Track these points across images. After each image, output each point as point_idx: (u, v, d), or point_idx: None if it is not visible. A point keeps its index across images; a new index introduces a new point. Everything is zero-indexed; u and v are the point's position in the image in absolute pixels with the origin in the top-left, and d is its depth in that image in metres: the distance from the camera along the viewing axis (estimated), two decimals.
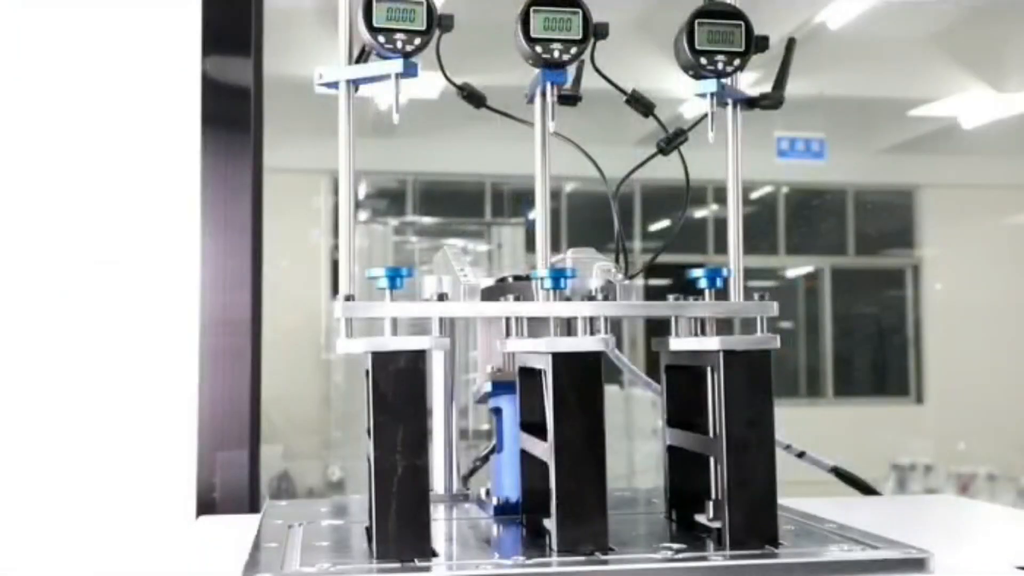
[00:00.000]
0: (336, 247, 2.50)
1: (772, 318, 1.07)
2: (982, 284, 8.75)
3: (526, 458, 1.13)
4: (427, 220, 6.99)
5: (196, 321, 1.64)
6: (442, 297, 1.06)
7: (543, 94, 1.08)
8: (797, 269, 9.54)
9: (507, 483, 1.24)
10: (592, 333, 1.05)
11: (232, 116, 1.69)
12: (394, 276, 1.03)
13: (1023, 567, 1.00)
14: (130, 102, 1.67)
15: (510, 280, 1.26)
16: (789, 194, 9.22)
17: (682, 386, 1.18)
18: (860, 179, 9.07)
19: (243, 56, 1.71)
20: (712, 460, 1.07)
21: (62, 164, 1.66)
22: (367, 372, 1.00)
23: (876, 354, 9.79)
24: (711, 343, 1.06)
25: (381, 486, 0.98)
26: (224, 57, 1.71)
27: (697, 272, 1.10)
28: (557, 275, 1.06)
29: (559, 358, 1.02)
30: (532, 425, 1.11)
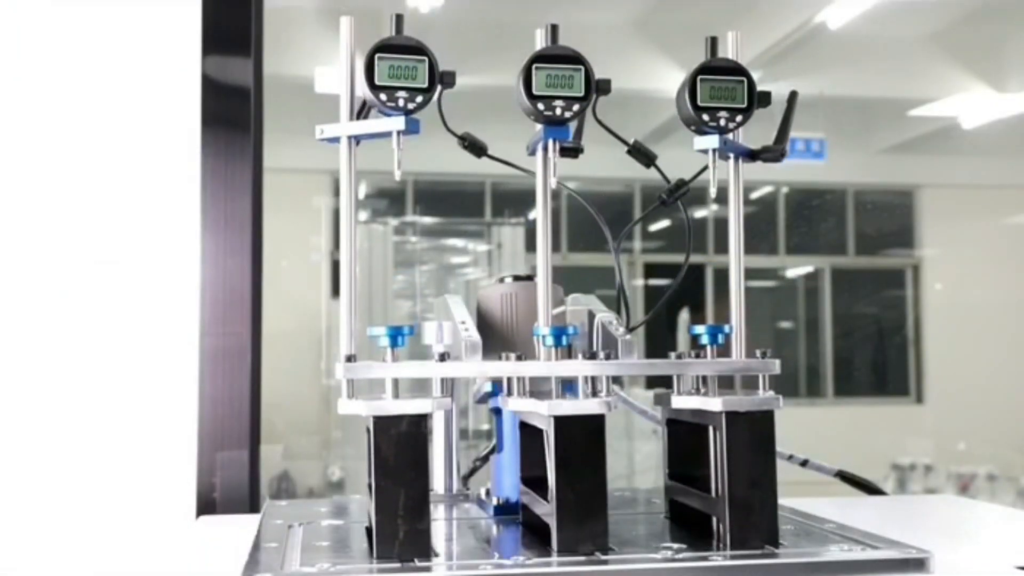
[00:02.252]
0: (336, 247, 2.50)
1: (775, 375, 1.06)
2: (982, 284, 8.76)
3: (527, 511, 1.13)
4: (427, 220, 6.98)
5: (196, 321, 1.64)
6: (443, 357, 1.04)
7: (544, 149, 1.07)
8: (797, 269, 9.54)
9: (507, 483, 1.24)
10: (594, 391, 1.03)
11: (232, 116, 1.69)
12: (395, 335, 1.02)
13: (1023, 567, 1.00)
14: (130, 102, 1.67)
15: (510, 280, 1.26)
16: (789, 194, 9.22)
17: (684, 440, 1.16)
18: (860, 179, 9.08)
19: (243, 56, 1.71)
20: (715, 520, 1.06)
21: (62, 164, 1.66)
22: (368, 430, 1.00)
23: (876, 354, 9.79)
24: (713, 404, 1.04)
25: (383, 549, 0.98)
26: (224, 57, 1.71)
27: (699, 329, 1.08)
28: (559, 332, 1.04)
29: (560, 422, 1.00)
30: (533, 480, 1.10)
